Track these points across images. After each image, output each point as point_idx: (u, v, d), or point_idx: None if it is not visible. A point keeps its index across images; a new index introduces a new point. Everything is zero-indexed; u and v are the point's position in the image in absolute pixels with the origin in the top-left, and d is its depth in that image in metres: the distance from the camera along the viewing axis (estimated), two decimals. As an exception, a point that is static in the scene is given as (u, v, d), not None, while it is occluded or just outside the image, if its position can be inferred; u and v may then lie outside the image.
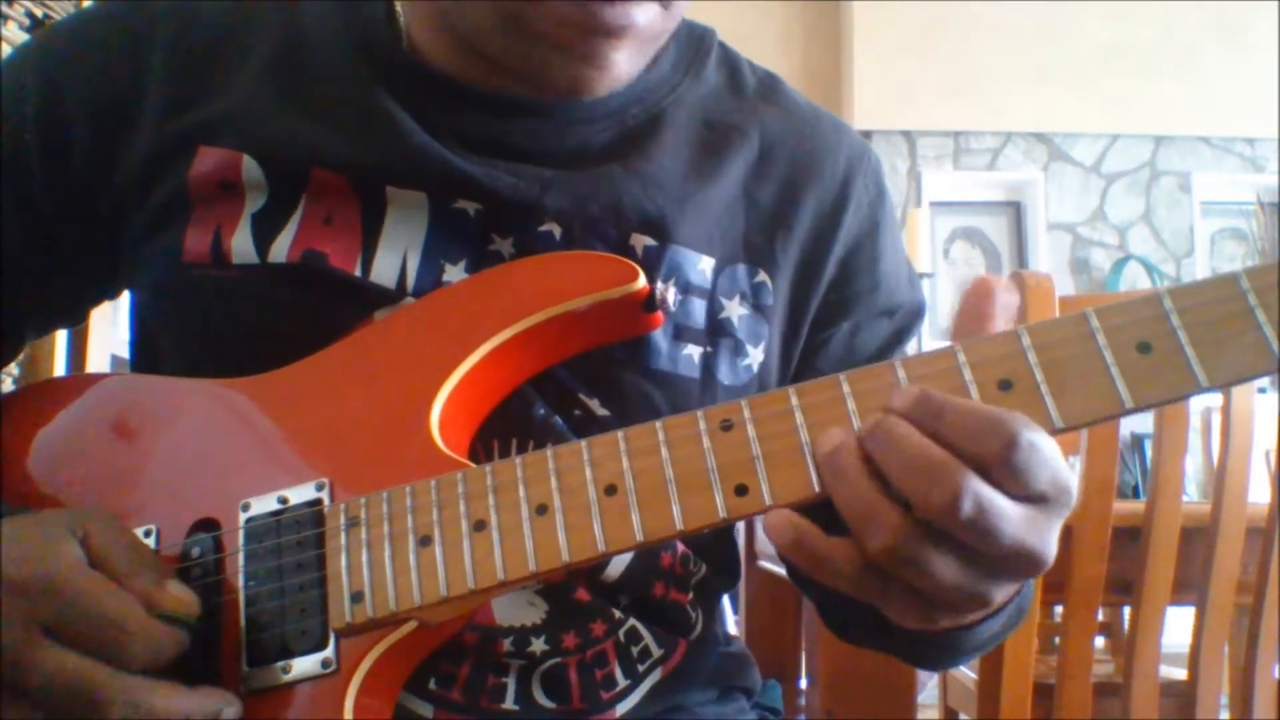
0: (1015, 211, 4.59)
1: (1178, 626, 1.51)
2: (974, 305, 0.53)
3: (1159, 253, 4.54)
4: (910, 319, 0.82)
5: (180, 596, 0.56)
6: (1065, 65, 4.49)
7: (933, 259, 4.43)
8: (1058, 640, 1.52)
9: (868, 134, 4.51)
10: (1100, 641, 2.61)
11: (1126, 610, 2.19)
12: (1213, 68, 4.47)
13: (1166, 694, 1.47)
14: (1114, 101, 4.50)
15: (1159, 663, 1.40)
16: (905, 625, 0.53)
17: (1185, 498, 1.38)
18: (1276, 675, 1.46)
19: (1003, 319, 0.53)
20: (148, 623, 0.54)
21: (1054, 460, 0.48)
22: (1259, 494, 1.44)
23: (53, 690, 0.52)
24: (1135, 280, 4.45)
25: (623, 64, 0.69)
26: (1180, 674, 1.55)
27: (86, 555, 0.56)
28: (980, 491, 0.47)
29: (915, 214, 4.04)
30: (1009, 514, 0.47)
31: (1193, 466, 3.11)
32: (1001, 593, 0.52)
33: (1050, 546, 0.49)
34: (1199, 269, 4.51)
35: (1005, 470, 0.47)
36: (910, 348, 0.85)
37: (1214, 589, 1.39)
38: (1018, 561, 0.49)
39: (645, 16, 0.67)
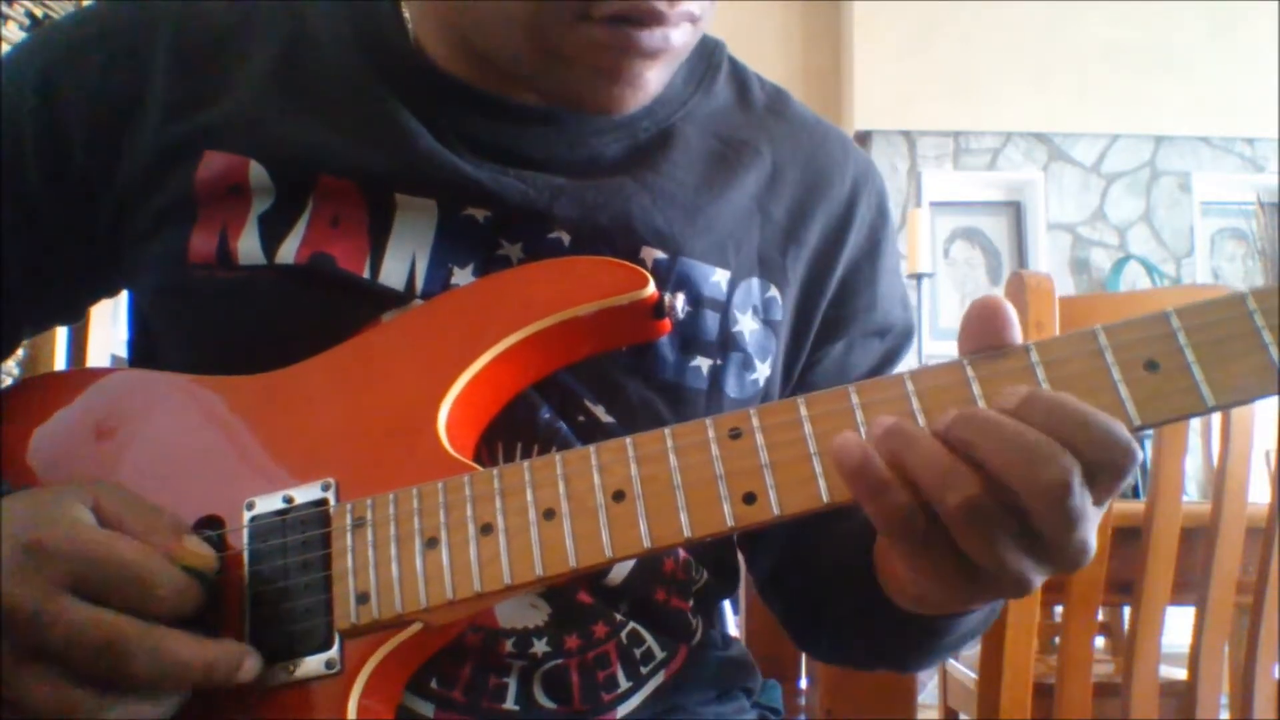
0: (1015, 211, 4.59)
1: (1178, 626, 1.51)
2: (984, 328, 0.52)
3: (1159, 253, 4.53)
4: (901, 340, 0.83)
5: (198, 549, 0.57)
6: (1065, 65, 4.48)
7: (933, 259, 4.42)
8: (1058, 640, 1.52)
9: (868, 134, 4.51)
10: (1100, 641, 2.61)
11: (1126, 610, 2.19)
12: (1213, 68, 4.46)
13: (1166, 694, 1.47)
14: (1114, 101, 4.49)
15: (1159, 663, 1.40)
16: (917, 603, 0.54)
17: (1185, 498, 1.38)
18: (1276, 675, 1.46)
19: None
20: (171, 569, 0.55)
21: None
22: (1259, 494, 1.44)
23: (77, 643, 0.52)
24: (1135, 280, 4.44)
25: (654, 82, 0.69)
26: (1180, 674, 1.55)
27: (98, 520, 0.56)
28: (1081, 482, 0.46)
29: (915, 214, 4.03)
30: (1089, 510, 0.47)
31: (1193, 466, 3.11)
32: (1037, 582, 0.51)
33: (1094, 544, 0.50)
34: (1199, 269, 4.50)
35: (1116, 477, 0.47)
36: (912, 354, 0.86)
37: (1214, 589, 1.39)
38: (1076, 553, 0.49)
39: (681, 38, 0.67)
